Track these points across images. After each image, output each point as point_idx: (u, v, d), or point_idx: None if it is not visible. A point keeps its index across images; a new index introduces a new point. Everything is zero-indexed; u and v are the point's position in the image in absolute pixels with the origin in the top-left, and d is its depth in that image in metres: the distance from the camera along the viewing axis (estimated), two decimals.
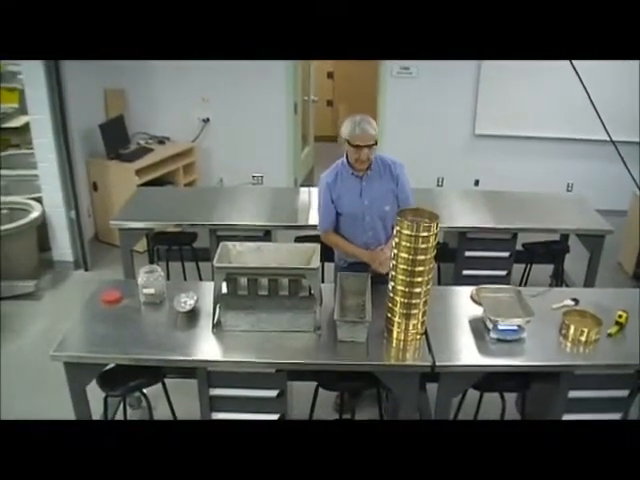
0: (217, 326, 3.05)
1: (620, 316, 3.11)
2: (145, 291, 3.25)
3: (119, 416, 3.43)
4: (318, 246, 3.12)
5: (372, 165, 3.39)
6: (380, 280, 3.20)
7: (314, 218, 4.47)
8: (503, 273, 4.63)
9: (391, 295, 2.97)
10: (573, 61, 3.02)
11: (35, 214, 5.25)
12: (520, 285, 4.73)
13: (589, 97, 3.22)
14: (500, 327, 2.97)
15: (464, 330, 3.11)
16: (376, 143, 3.29)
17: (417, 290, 2.88)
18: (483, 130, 6.83)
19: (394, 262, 2.90)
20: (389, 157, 3.49)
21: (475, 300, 3.32)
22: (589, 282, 4.59)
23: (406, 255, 2.82)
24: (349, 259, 3.56)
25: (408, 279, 2.85)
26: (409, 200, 3.43)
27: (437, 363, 2.85)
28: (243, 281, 2.99)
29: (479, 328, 3.10)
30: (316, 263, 2.97)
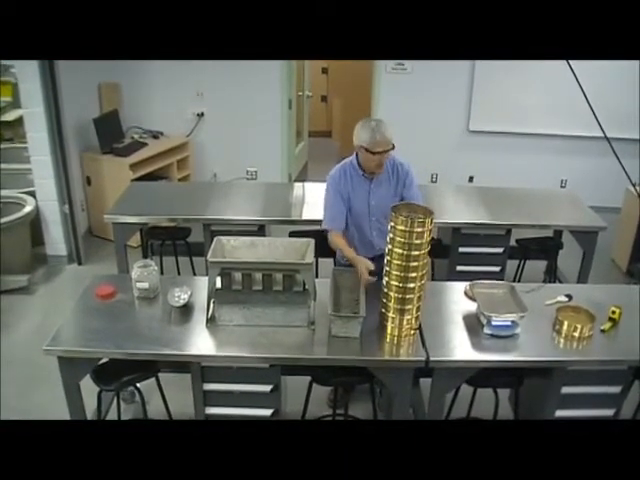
0: (211, 321, 3.05)
1: (613, 312, 3.13)
2: (139, 285, 3.24)
3: (113, 411, 3.42)
4: (312, 241, 3.11)
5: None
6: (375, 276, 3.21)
7: (308, 213, 4.48)
8: (497, 269, 4.64)
9: (385, 290, 2.97)
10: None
11: (28, 208, 5.22)
12: (514, 281, 4.74)
13: (584, 93, 3.22)
14: (494, 323, 2.98)
15: (458, 326, 3.11)
16: (394, 146, 3.26)
17: (411, 285, 2.88)
18: (477, 126, 6.84)
19: (388, 258, 2.90)
20: (397, 158, 3.45)
21: (469, 296, 3.33)
22: (582, 278, 4.61)
23: (400, 250, 2.82)
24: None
25: (402, 274, 2.86)
26: (417, 201, 3.37)
27: (431, 358, 2.85)
28: (237, 276, 2.99)
29: (473, 324, 3.11)
30: (310, 258, 2.97)
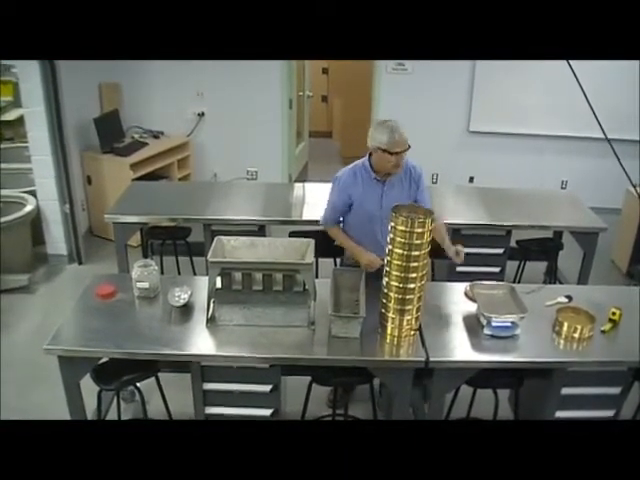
0: (211, 320, 3.05)
1: (613, 313, 3.12)
2: (139, 285, 3.24)
3: (113, 410, 3.42)
4: (312, 241, 3.11)
5: None
6: (375, 276, 3.20)
7: (308, 213, 4.48)
8: (497, 270, 4.64)
9: (385, 291, 2.97)
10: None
11: (29, 208, 5.22)
12: (514, 282, 4.74)
13: (584, 93, 3.22)
14: (494, 323, 2.98)
15: (458, 326, 3.11)
16: (409, 146, 3.22)
17: (411, 286, 2.88)
18: (478, 127, 6.83)
19: (388, 258, 2.90)
20: (410, 161, 3.42)
21: (469, 296, 3.32)
22: (583, 279, 4.60)
23: (400, 251, 2.82)
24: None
25: (402, 275, 2.85)
26: (426, 205, 3.34)
27: (431, 359, 2.85)
28: (237, 276, 2.99)
29: (473, 324, 3.11)
30: (310, 258, 2.97)
